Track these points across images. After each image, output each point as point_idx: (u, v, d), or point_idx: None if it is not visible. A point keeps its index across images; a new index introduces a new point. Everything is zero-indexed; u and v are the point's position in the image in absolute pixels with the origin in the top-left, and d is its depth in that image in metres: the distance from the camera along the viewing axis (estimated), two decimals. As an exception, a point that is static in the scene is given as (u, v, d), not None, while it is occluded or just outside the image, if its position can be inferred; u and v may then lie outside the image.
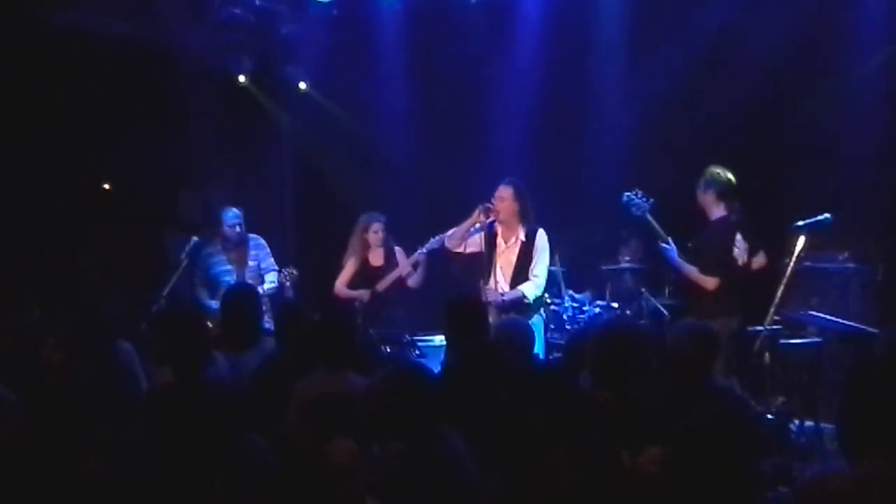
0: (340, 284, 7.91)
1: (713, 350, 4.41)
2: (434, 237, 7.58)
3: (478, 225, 7.22)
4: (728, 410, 4.10)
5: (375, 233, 7.84)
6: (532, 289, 7.13)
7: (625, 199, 6.80)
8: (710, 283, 6.45)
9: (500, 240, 7.28)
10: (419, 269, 7.77)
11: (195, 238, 7.73)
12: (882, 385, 3.86)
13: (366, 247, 7.87)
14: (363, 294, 7.77)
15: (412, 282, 7.81)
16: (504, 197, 7.20)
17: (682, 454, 3.77)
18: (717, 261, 6.48)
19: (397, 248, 7.91)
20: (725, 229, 6.55)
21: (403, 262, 7.82)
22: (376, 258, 7.88)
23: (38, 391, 4.44)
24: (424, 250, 7.63)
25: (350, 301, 7.78)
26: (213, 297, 7.66)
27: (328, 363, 4.88)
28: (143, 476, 3.70)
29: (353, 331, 5.33)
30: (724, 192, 6.57)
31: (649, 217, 6.73)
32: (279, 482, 3.82)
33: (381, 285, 7.76)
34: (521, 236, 7.24)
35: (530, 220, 7.26)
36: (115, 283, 8.62)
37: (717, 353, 4.53)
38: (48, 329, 5.43)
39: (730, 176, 6.58)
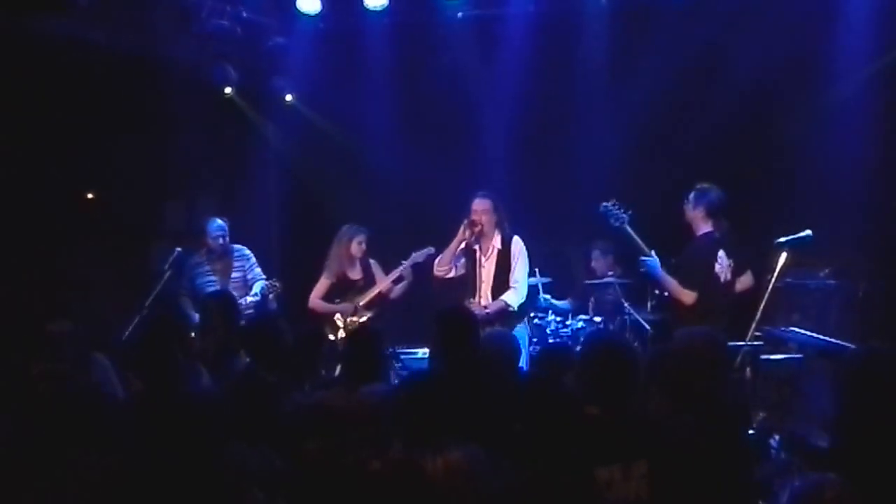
0: (316, 298, 7.84)
1: (720, 354, 4.44)
2: (416, 251, 7.57)
3: (465, 244, 7.22)
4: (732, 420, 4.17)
5: (360, 244, 7.80)
6: (514, 297, 7.16)
7: (601, 209, 6.82)
8: (688, 297, 6.44)
9: (479, 253, 7.30)
10: (403, 283, 7.76)
11: (178, 248, 7.73)
12: (874, 399, 3.92)
13: (347, 259, 7.81)
14: (345, 308, 7.74)
15: (394, 294, 7.79)
16: (486, 209, 7.23)
17: (675, 466, 3.78)
18: (698, 276, 6.46)
19: (372, 262, 7.89)
20: (709, 245, 6.56)
21: (381, 276, 7.80)
22: (355, 272, 7.84)
23: (32, 404, 4.41)
24: (408, 264, 7.62)
25: (328, 315, 7.75)
26: (197, 309, 7.64)
27: (351, 377, 4.90)
28: (126, 484, 3.71)
29: (381, 344, 5.37)
30: (713, 209, 6.56)
31: (628, 229, 6.73)
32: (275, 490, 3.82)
33: (362, 300, 7.73)
34: (498, 245, 7.27)
35: (505, 228, 7.29)
36: (99, 292, 8.59)
37: (726, 358, 4.53)
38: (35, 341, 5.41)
39: (719, 193, 6.60)
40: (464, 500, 3.53)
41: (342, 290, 7.82)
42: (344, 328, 7.66)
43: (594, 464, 3.68)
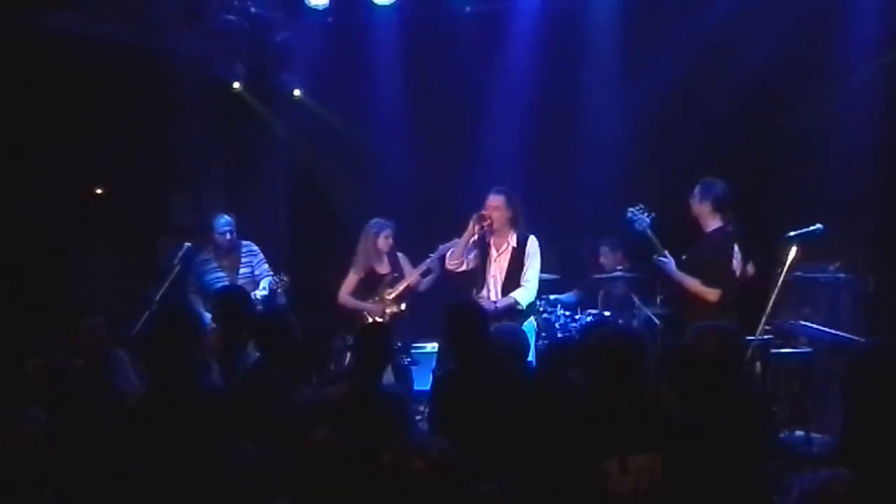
0: (345, 294, 7.82)
1: (738, 350, 4.44)
2: (443, 244, 7.52)
3: (474, 238, 7.20)
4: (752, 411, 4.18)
5: (386, 238, 7.77)
6: (524, 295, 7.13)
7: (628, 215, 6.73)
8: (712, 294, 6.37)
9: (492, 248, 7.28)
10: (431, 276, 7.75)
11: (187, 244, 7.72)
12: (883, 396, 3.91)
13: (375, 254, 7.79)
14: (374, 308, 7.69)
15: (422, 287, 7.77)
16: (497, 205, 7.19)
17: (686, 460, 3.77)
18: (720, 272, 6.41)
19: (400, 255, 7.87)
20: (725, 240, 6.51)
21: (409, 269, 7.79)
22: (382, 266, 7.82)
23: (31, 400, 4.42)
24: (436, 257, 7.58)
25: (357, 312, 7.72)
26: (206, 306, 7.61)
27: (360, 371, 4.91)
28: (133, 481, 3.71)
29: (391, 339, 5.38)
30: (721, 203, 6.51)
31: (650, 232, 6.70)
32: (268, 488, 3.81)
33: (392, 294, 7.70)
34: (513, 243, 7.23)
35: (521, 226, 7.26)
36: (107, 288, 8.60)
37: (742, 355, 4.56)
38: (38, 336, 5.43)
39: (724, 186, 6.56)
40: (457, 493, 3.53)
41: (371, 284, 7.79)
42: None
43: (596, 456, 3.67)
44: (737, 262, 6.50)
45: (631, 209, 6.74)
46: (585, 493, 3.58)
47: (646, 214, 6.70)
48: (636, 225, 6.71)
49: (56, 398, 4.43)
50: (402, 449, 3.43)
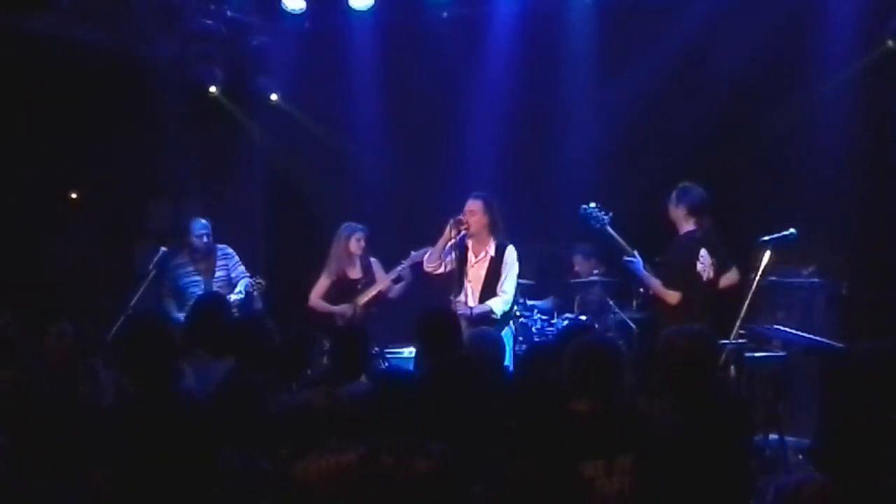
0: (316, 297, 7.78)
1: (710, 352, 4.47)
2: (415, 251, 7.50)
3: (452, 242, 7.21)
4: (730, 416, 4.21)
5: (358, 241, 7.73)
6: (500, 304, 7.13)
7: (582, 212, 6.79)
8: (671, 297, 6.42)
9: (470, 254, 7.28)
10: (402, 282, 7.73)
11: (163, 248, 7.70)
12: (857, 401, 3.94)
13: (347, 257, 7.75)
14: (345, 310, 7.68)
15: (393, 293, 7.76)
16: (474, 210, 7.20)
17: (662, 463, 3.80)
18: (680, 275, 6.44)
19: (373, 260, 7.84)
20: (690, 245, 6.53)
21: (381, 275, 7.75)
22: (354, 271, 7.77)
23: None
24: (407, 264, 7.57)
25: (328, 315, 7.69)
26: (180, 309, 7.59)
27: (336, 375, 4.91)
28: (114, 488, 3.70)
29: (367, 343, 5.38)
30: (695, 208, 6.55)
31: (610, 230, 6.72)
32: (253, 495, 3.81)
33: (362, 299, 7.67)
34: (491, 251, 7.23)
35: (500, 234, 7.25)
36: (83, 292, 8.55)
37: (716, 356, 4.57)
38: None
39: (702, 191, 6.60)
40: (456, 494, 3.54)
41: (342, 289, 7.75)
42: None
43: (579, 459, 3.69)
44: (703, 267, 6.49)
45: (584, 206, 6.77)
46: (572, 495, 3.60)
47: (602, 212, 6.73)
48: (593, 222, 6.73)
49: (23, 409, 4.39)
50: (404, 450, 3.45)
